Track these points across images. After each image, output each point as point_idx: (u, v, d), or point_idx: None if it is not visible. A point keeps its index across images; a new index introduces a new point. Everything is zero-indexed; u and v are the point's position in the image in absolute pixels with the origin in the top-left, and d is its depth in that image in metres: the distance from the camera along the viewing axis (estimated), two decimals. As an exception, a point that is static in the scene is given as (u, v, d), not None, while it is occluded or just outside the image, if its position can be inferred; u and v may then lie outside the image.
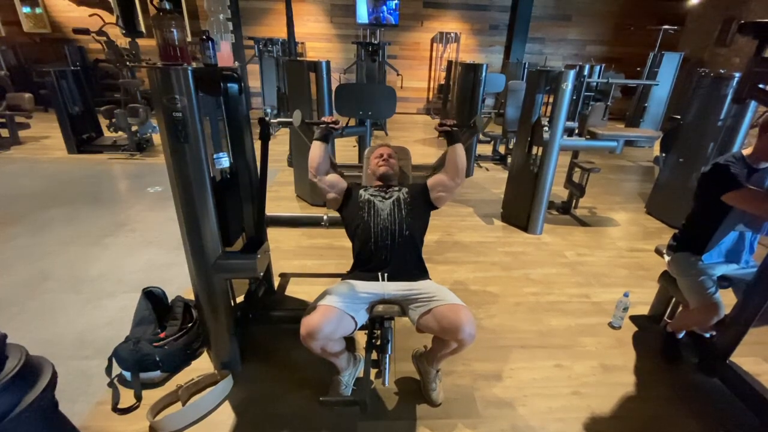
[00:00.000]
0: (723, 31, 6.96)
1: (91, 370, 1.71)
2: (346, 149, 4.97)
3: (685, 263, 1.81)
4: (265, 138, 1.51)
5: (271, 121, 1.60)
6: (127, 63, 4.91)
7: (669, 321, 2.10)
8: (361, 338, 1.96)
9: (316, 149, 1.72)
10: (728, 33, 6.83)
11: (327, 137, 1.76)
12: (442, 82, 7.88)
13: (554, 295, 2.46)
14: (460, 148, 1.68)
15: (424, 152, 5.63)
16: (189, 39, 6.81)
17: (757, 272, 1.63)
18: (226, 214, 1.56)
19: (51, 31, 7.76)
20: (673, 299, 2.10)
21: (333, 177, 1.76)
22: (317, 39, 8.22)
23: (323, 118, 1.80)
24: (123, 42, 5.03)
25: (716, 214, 1.70)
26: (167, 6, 1.32)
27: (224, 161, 1.55)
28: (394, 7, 7.85)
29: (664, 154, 3.59)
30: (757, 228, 1.70)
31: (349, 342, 1.94)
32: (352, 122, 3.63)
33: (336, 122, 1.77)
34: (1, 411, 0.93)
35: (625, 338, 2.11)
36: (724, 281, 1.80)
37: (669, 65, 6.01)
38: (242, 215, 1.78)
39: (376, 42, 6.50)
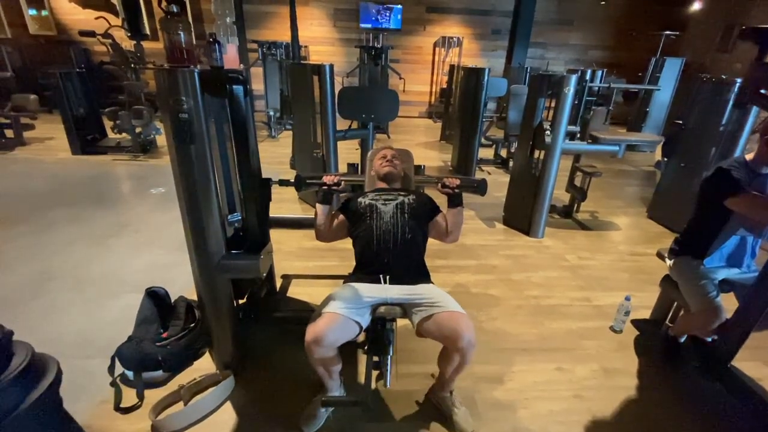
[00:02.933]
0: (724, 37, 6.98)
1: (94, 370, 1.72)
2: (348, 152, 4.98)
3: (687, 267, 1.81)
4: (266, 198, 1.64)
5: (272, 181, 1.69)
6: (132, 65, 4.95)
7: (670, 325, 2.10)
8: (363, 340, 1.97)
9: (320, 215, 1.67)
10: (730, 39, 6.85)
11: (329, 199, 1.68)
12: (445, 86, 7.91)
13: (555, 298, 2.47)
14: (461, 214, 1.67)
15: (426, 155, 5.64)
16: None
17: (758, 276, 1.63)
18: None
19: (56, 34, 7.82)
20: (675, 303, 2.10)
21: (336, 228, 1.71)
22: (320, 42, 8.26)
23: (324, 178, 1.69)
24: (128, 44, 5.08)
25: (718, 218, 1.70)
26: (175, 9, 1.34)
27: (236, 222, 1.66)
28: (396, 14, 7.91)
29: (665, 159, 3.59)
30: (758, 232, 1.70)
31: (349, 345, 1.95)
32: (355, 125, 3.64)
33: (338, 183, 1.68)
34: (8, 407, 0.94)
35: (626, 342, 2.11)
36: (726, 285, 1.80)
37: (671, 70, 6.03)
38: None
39: (378, 46, 6.55)
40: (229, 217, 1.65)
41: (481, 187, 1.77)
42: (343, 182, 1.71)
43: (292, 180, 1.79)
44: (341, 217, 1.73)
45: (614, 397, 1.76)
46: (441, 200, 1.74)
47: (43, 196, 3.73)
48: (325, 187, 1.68)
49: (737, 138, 3.04)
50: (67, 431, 1.18)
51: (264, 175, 1.80)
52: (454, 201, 1.66)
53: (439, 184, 1.68)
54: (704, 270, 1.75)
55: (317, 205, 1.69)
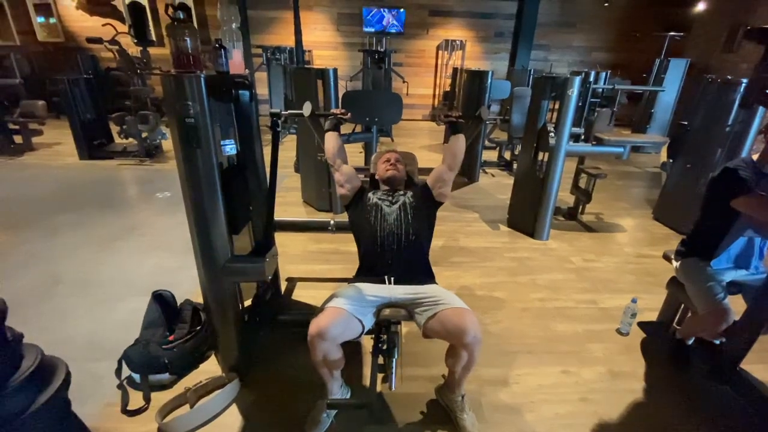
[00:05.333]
0: (730, 37, 6.94)
1: (101, 372, 1.73)
2: (352, 155, 4.99)
3: (694, 269, 1.80)
4: (275, 133, 1.57)
5: (282, 113, 1.65)
6: (138, 71, 5.01)
7: (678, 327, 2.08)
8: (368, 343, 1.97)
9: (330, 140, 1.81)
10: (735, 39, 6.81)
11: (337, 127, 1.86)
12: (448, 89, 7.93)
13: (561, 300, 2.45)
14: (461, 138, 1.75)
15: (430, 158, 5.65)
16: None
17: (766, 278, 1.62)
18: (235, 209, 1.58)
19: (64, 40, 7.94)
20: (682, 305, 2.08)
21: (350, 170, 1.79)
22: (324, 47, 8.32)
23: (332, 110, 1.90)
24: (134, 51, 5.14)
25: (725, 219, 1.69)
26: (181, 15, 1.35)
27: (230, 149, 1.59)
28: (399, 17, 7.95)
29: (671, 160, 3.57)
30: (766, 234, 1.69)
31: (355, 348, 1.95)
32: (359, 128, 3.66)
33: (345, 112, 1.86)
34: (18, 408, 0.95)
35: (633, 344, 2.09)
36: (734, 287, 1.79)
37: (675, 71, 6.01)
38: (249, 207, 1.79)
39: (382, 50, 6.58)
40: (222, 143, 1.53)
41: (480, 116, 1.92)
42: (349, 114, 1.88)
43: (301, 111, 1.82)
44: (359, 182, 1.79)
45: (621, 400, 1.74)
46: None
47: (51, 200, 3.77)
48: (333, 117, 1.86)
49: (743, 138, 3.02)
50: (75, 433, 1.19)
51: (269, 180, 1.80)
52: (455, 128, 1.77)
53: (443, 115, 1.82)
54: (711, 272, 1.74)
55: (327, 133, 1.84)
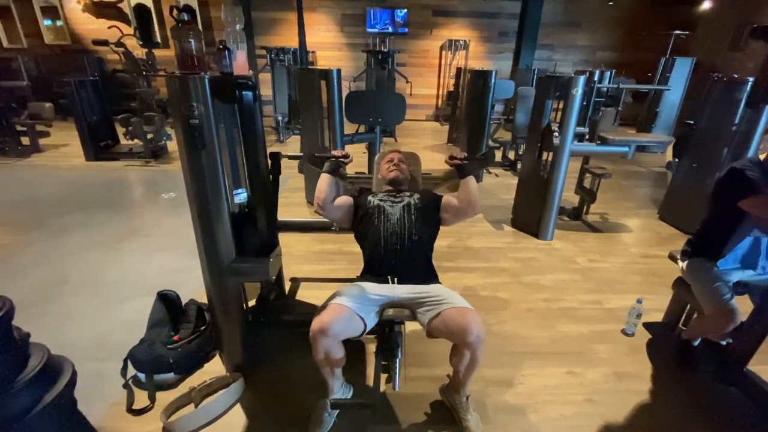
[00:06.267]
0: (736, 36, 6.88)
1: (106, 372, 1.75)
2: (356, 155, 5.00)
3: (700, 269, 1.79)
4: (276, 172, 1.62)
5: (283, 155, 1.68)
6: (144, 73, 5.05)
7: (684, 328, 2.07)
8: (371, 343, 1.97)
9: (324, 182, 1.71)
10: (741, 37, 6.75)
11: (336, 171, 1.76)
12: (451, 89, 7.92)
13: (566, 301, 2.44)
14: (472, 182, 1.66)
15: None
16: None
17: (774, 278, 1.61)
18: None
19: (71, 43, 8.02)
20: (688, 306, 2.06)
21: (339, 200, 1.74)
22: (328, 48, 8.34)
23: (333, 153, 1.80)
24: (140, 53, 5.18)
25: (731, 219, 1.67)
26: (185, 17, 1.36)
27: (242, 196, 1.64)
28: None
29: (676, 160, 3.55)
30: (773, 233, 1.67)
31: (358, 348, 1.95)
32: (362, 129, 3.66)
33: (346, 156, 1.78)
34: (24, 407, 0.96)
35: (638, 345, 2.08)
36: (741, 287, 1.77)
37: (681, 70, 5.96)
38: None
39: (385, 50, 6.59)
40: (234, 193, 1.62)
41: (487, 158, 1.81)
42: (351, 156, 1.80)
43: (301, 153, 1.83)
44: (350, 199, 1.76)
45: (626, 401, 1.73)
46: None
47: (58, 201, 3.81)
48: (333, 159, 1.77)
49: (750, 138, 2.99)
50: (81, 432, 1.20)
51: (273, 180, 1.81)
52: (464, 171, 1.67)
53: (447, 158, 1.73)
54: (718, 272, 1.72)
55: (322, 174, 1.74)
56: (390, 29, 7.96)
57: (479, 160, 1.81)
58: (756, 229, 1.66)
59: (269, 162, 1.70)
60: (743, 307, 1.65)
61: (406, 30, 8.12)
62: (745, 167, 1.61)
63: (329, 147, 3.29)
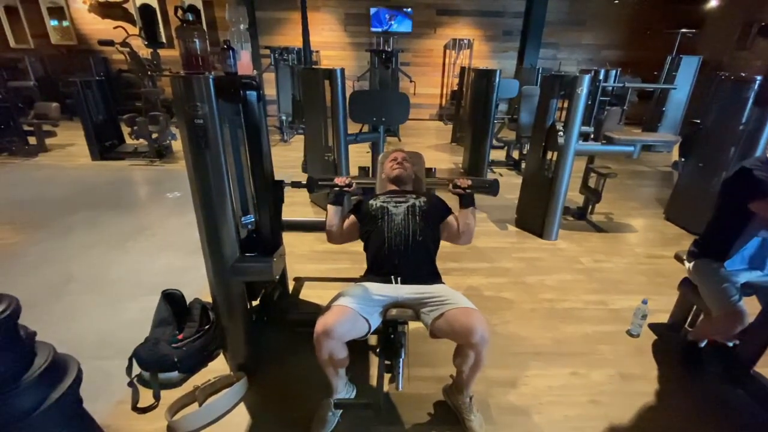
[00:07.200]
0: (743, 34, 6.81)
1: (111, 370, 1.76)
2: (359, 155, 5.01)
3: (707, 270, 1.77)
4: (279, 200, 1.67)
5: (285, 183, 1.69)
6: (149, 73, 5.07)
7: (690, 329, 2.05)
8: (375, 343, 1.97)
9: (331, 215, 1.69)
10: (749, 36, 6.68)
11: (340, 199, 1.72)
12: (455, 88, 7.90)
13: (570, 301, 2.43)
14: (472, 214, 1.66)
15: (437, 158, 5.64)
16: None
17: (782, 279, 1.59)
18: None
19: (77, 43, 8.07)
20: (694, 307, 2.05)
21: (345, 225, 1.73)
22: (332, 47, 8.34)
23: (335, 180, 1.74)
24: (145, 53, 5.21)
25: (739, 219, 1.66)
26: (190, 17, 1.37)
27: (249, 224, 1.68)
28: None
29: (683, 159, 3.51)
30: (781, 234, 1.65)
31: (361, 348, 1.95)
32: (366, 128, 3.66)
33: (349, 185, 1.73)
34: (30, 405, 0.96)
35: (643, 346, 2.06)
36: (748, 288, 1.75)
37: (687, 69, 5.91)
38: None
39: (389, 49, 6.57)
40: (242, 219, 1.68)
41: (493, 188, 1.76)
42: (354, 183, 1.75)
43: (304, 182, 1.81)
44: (352, 218, 1.74)
45: (631, 403, 1.72)
46: (453, 202, 1.74)
47: (64, 201, 3.83)
48: (337, 189, 1.72)
49: (758, 137, 2.96)
50: (86, 430, 1.21)
51: (276, 178, 1.82)
52: (466, 201, 1.67)
53: (450, 185, 1.70)
54: (725, 273, 1.71)
55: (328, 206, 1.72)
56: (396, 20, 7.90)
57: (484, 188, 1.77)
58: (764, 229, 1.64)
59: (273, 185, 1.75)
60: (751, 308, 1.63)
61: (410, 29, 8.09)
62: (755, 167, 1.59)
63: (333, 146, 3.30)
